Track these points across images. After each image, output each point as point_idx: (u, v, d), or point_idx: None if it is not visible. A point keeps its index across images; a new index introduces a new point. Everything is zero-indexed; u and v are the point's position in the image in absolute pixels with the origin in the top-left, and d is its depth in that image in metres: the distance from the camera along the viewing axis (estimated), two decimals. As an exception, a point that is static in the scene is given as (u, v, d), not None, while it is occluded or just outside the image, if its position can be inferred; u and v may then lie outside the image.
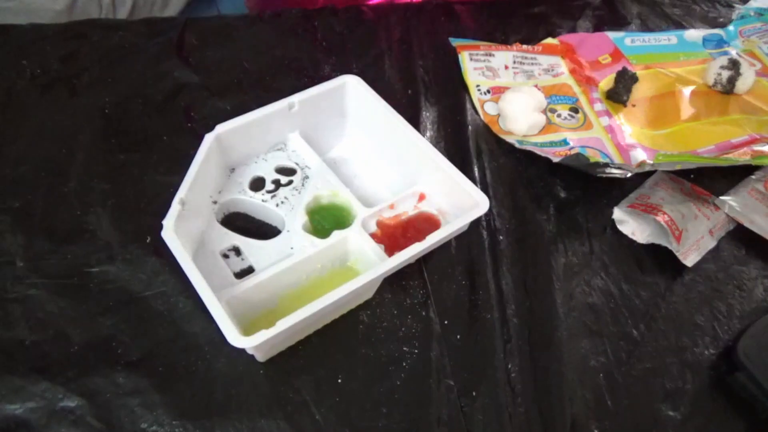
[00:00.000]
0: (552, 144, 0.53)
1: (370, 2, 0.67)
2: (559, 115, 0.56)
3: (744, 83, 0.61)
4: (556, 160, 0.49)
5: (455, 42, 0.59)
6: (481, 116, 0.55)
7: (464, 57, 0.59)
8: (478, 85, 0.57)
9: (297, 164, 0.48)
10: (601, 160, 0.50)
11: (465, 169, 0.50)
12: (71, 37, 0.57)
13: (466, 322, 0.43)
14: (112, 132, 0.51)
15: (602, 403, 0.41)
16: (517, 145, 0.52)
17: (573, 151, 0.52)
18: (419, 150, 0.46)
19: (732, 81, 0.61)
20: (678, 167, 0.53)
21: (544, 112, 0.56)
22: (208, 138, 0.44)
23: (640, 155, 0.54)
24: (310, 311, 0.35)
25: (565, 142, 0.54)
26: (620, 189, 0.52)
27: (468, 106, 0.57)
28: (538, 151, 0.51)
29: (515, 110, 0.53)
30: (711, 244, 0.50)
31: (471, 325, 0.43)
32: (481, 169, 0.53)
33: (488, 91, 0.57)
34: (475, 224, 0.48)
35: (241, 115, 0.46)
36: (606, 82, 0.61)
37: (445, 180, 0.45)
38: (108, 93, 0.53)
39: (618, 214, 0.50)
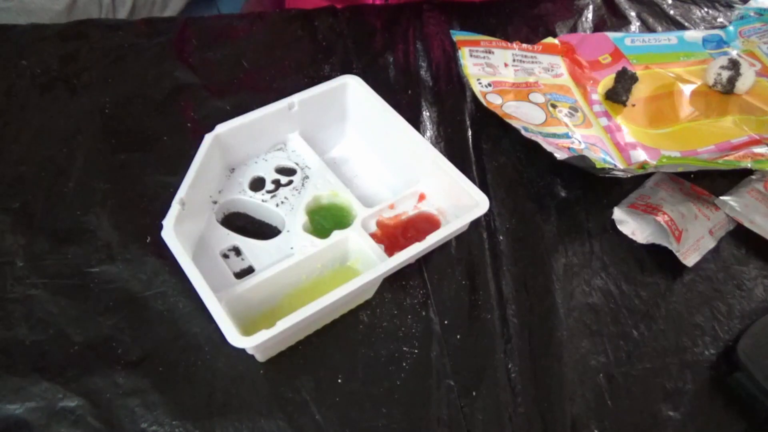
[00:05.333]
0: (555, 135, 0.53)
1: (370, 2, 0.67)
2: (560, 111, 0.56)
3: (744, 83, 0.61)
4: (561, 157, 0.49)
5: (456, 36, 0.59)
6: (485, 104, 0.55)
7: (464, 53, 0.58)
8: (479, 79, 0.57)
9: (297, 164, 0.48)
10: (605, 165, 0.50)
11: (465, 169, 0.50)
12: (71, 37, 0.57)
13: (466, 322, 0.43)
14: (112, 132, 0.51)
15: (602, 403, 0.41)
16: (523, 132, 0.51)
17: (574, 144, 0.52)
18: (419, 150, 0.46)
19: (732, 81, 0.61)
20: (680, 169, 0.53)
21: (545, 106, 0.56)
22: (208, 138, 0.44)
23: (640, 155, 0.54)
24: (310, 311, 0.35)
25: (567, 136, 0.53)
26: (620, 189, 0.52)
27: (468, 107, 0.57)
28: (542, 141, 0.50)
29: None
30: (711, 244, 0.50)
31: (471, 325, 0.43)
32: (481, 169, 0.53)
33: (489, 85, 0.57)
34: (475, 224, 0.48)
35: (241, 115, 0.46)
36: (606, 82, 0.61)
37: (445, 180, 0.45)
38: (108, 93, 0.53)
39: (618, 214, 0.50)
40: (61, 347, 0.39)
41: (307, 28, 0.62)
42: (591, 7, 0.70)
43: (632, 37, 0.66)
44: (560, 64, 0.62)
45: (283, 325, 0.35)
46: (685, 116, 0.59)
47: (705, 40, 0.68)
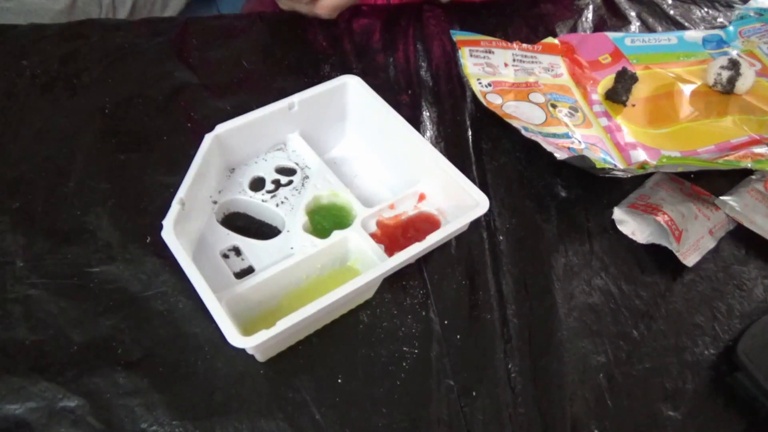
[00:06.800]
0: (555, 135, 0.53)
1: (370, 2, 0.67)
2: (560, 111, 0.56)
3: (744, 83, 0.61)
4: (561, 157, 0.49)
5: (456, 36, 0.59)
6: (485, 104, 0.55)
7: (464, 53, 0.59)
8: (479, 79, 0.57)
9: (297, 164, 0.48)
10: (606, 165, 0.50)
11: (465, 169, 0.50)
12: (71, 37, 0.57)
13: (466, 322, 0.43)
14: (112, 132, 0.51)
15: (602, 403, 0.41)
16: (523, 132, 0.51)
17: (574, 144, 0.52)
18: (419, 150, 0.46)
19: (732, 81, 0.61)
20: (680, 169, 0.53)
21: (545, 106, 0.56)
22: (208, 138, 0.44)
23: (640, 155, 0.54)
24: (310, 311, 0.35)
25: (567, 136, 0.53)
26: (620, 189, 0.52)
27: (468, 107, 0.57)
28: (542, 141, 0.50)
29: None
30: (711, 244, 0.50)
31: (471, 325, 0.43)
32: (481, 169, 0.53)
33: (489, 84, 0.57)
34: (475, 224, 0.48)
35: (241, 115, 0.46)
36: (606, 82, 0.61)
37: (445, 180, 0.45)
38: (108, 93, 0.53)
39: (618, 214, 0.50)
40: (61, 347, 0.39)
41: (307, 28, 0.62)
42: (591, 7, 0.70)
43: (632, 37, 0.66)
44: (560, 64, 0.62)
45: (283, 325, 0.35)
46: (685, 116, 0.59)
47: (705, 40, 0.68)
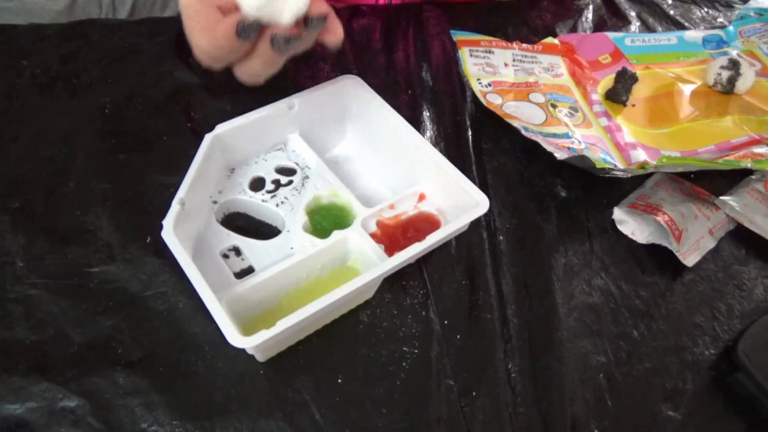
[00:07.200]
0: (555, 135, 0.53)
1: (370, 2, 0.67)
2: (560, 111, 0.56)
3: (744, 83, 0.61)
4: (561, 157, 0.49)
5: (456, 35, 0.59)
6: (485, 104, 0.55)
7: (464, 53, 0.59)
8: (479, 79, 0.57)
9: (297, 164, 0.48)
10: (606, 165, 0.50)
11: (465, 169, 0.50)
12: (71, 37, 0.57)
13: (466, 322, 0.43)
14: (112, 132, 0.51)
15: (602, 403, 0.41)
16: (523, 132, 0.51)
17: (574, 144, 0.52)
18: (419, 150, 0.46)
19: (732, 81, 0.61)
20: (680, 169, 0.53)
21: (545, 106, 0.56)
22: (208, 138, 0.44)
23: (640, 155, 0.54)
24: (310, 311, 0.35)
25: (567, 136, 0.54)
26: (620, 189, 0.52)
27: (468, 107, 0.57)
28: (542, 141, 0.50)
29: None
30: (711, 244, 0.50)
31: (471, 325, 0.43)
32: (481, 169, 0.53)
33: (489, 84, 0.57)
34: (475, 224, 0.48)
35: (241, 115, 0.46)
36: (606, 82, 0.61)
37: (445, 180, 0.45)
38: (108, 93, 0.53)
39: (618, 214, 0.50)
40: (61, 347, 0.39)
41: (307, 28, 0.62)
42: (591, 7, 0.70)
43: (632, 37, 0.66)
44: (560, 64, 0.62)
45: (283, 325, 0.35)
46: (685, 116, 0.59)
47: (705, 40, 0.68)
